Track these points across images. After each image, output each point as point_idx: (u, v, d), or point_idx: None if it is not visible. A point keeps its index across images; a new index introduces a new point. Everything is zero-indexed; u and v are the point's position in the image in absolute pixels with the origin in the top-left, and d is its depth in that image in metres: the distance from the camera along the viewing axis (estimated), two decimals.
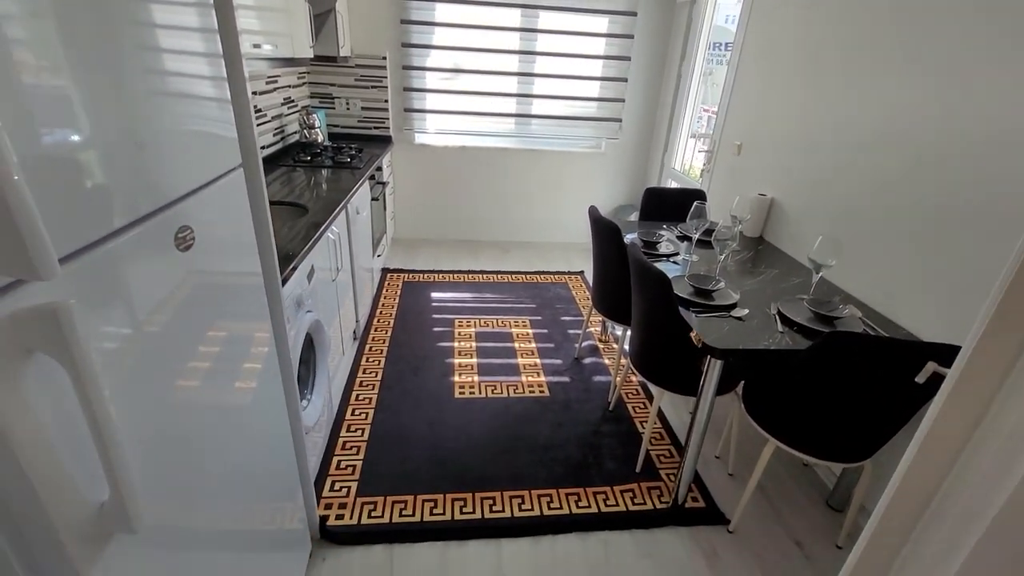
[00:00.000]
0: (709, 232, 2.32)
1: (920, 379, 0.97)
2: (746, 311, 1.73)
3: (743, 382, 1.82)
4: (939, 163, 1.65)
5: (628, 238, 2.32)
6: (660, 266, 2.09)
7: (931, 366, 0.96)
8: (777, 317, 1.72)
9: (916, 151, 1.73)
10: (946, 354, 1.23)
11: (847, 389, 1.42)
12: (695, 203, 2.15)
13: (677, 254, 2.24)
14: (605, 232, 2.17)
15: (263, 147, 2.85)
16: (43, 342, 0.53)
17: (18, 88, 0.54)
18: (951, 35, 1.62)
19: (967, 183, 1.55)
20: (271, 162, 2.88)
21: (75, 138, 0.62)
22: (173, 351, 0.83)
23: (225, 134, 1.00)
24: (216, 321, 0.96)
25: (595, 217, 2.23)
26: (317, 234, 1.83)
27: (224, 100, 0.99)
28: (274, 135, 3.02)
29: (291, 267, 1.54)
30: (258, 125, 2.78)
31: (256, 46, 2.03)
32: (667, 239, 2.36)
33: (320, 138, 3.26)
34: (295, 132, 3.34)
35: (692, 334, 1.61)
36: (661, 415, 2.36)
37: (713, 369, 1.59)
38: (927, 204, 1.68)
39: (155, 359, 0.78)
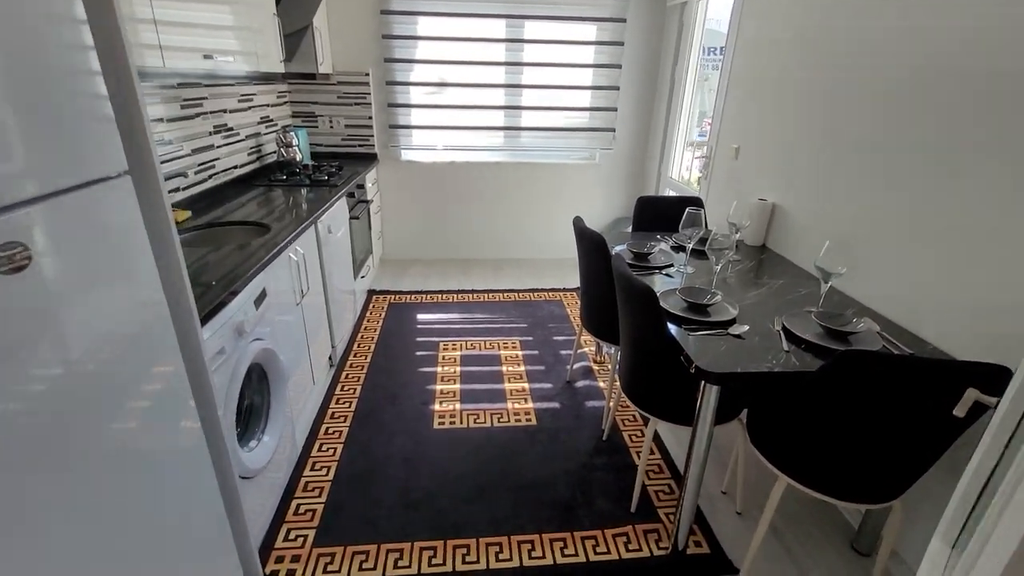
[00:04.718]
0: (706, 241, 2.12)
1: (960, 412, 0.76)
2: (746, 327, 1.52)
3: (746, 409, 1.61)
4: (969, 155, 1.45)
5: (616, 250, 2.13)
6: (653, 280, 1.90)
7: (972, 394, 0.76)
8: (782, 333, 1.51)
9: (937, 141, 1.54)
10: (988, 376, 1.02)
11: (865, 418, 1.20)
12: (688, 209, 1.97)
13: (671, 266, 2.05)
14: (590, 244, 1.99)
15: (236, 166, 2.73)
16: None
17: None
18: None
19: (1000, 175, 1.35)
20: (244, 182, 2.76)
21: None
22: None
23: (92, 134, 0.83)
24: (80, 358, 0.79)
25: (579, 228, 2.05)
26: (268, 256, 1.66)
27: (95, 95, 0.83)
28: (249, 154, 2.90)
29: (228, 292, 1.37)
30: (229, 144, 2.66)
31: (207, 57, 1.91)
32: (660, 250, 2.17)
33: (299, 157, 3.14)
34: (273, 152, 3.22)
35: (683, 355, 1.41)
36: (660, 444, 2.13)
37: (709, 396, 1.38)
38: (952, 203, 1.48)
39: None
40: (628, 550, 1.64)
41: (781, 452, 1.40)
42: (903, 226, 1.63)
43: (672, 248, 2.27)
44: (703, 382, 1.37)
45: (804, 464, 1.35)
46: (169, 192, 2.10)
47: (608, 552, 1.63)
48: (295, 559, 1.57)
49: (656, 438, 2.15)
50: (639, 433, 2.18)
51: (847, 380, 1.17)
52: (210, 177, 2.45)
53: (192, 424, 1.11)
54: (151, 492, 0.96)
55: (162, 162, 2.05)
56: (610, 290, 1.97)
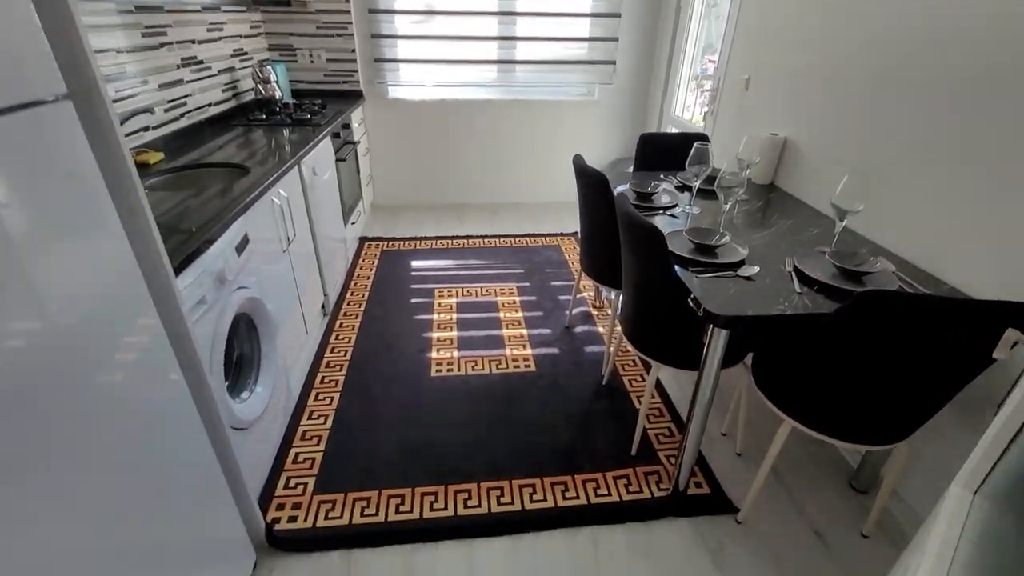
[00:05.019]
0: (712, 180, 2.01)
1: (1002, 355, 0.71)
2: (756, 269, 1.45)
3: (752, 353, 1.56)
4: (998, 76, 1.32)
5: (618, 190, 2.02)
6: (657, 221, 1.81)
7: (1012, 335, 0.70)
8: (793, 275, 1.44)
9: (967, 63, 1.40)
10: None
11: (880, 360, 1.16)
12: (695, 145, 1.84)
13: (676, 206, 1.95)
14: (591, 183, 1.88)
15: (210, 104, 2.54)
16: None
17: None
18: None
19: None
20: (221, 121, 2.58)
21: None
22: None
23: (13, 46, 0.71)
24: (35, 314, 0.71)
25: (580, 167, 1.93)
26: (249, 199, 1.55)
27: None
28: (224, 91, 2.70)
29: (204, 239, 1.27)
30: (200, 79, 2.46)
31: None
32: (665, 189, 2.06)
33: (278, 95, 2.93)
34: (250, 89, 3.01)
35: (691, 298, 1.35)
36: (660, 388, 2.12)
37: (717, 340, 1.32)
38: (979, 136, 1.37)
39: None
40: (629, 492, 1.64)
41: (787, 395, 1.37)
42: (923, 161, 1.52)
43: (676, 188, 2.15)
44: (710, 326, 1.31)
45: (811, 407, 1.32)
46: (137, 131, 1.95)
47: (609, 494, 1.63)
48: (296, 506, 1.56)
49: (656, 382, 2.13)
50: (639, 378, 2.16)
51: (866, 322, 1.11)
52: (182, 116, 2.28)
53: (175, 377, 1.04)
54: (137, 448, 0.91)
55: (124, 97, 1.89)
56: (612, 232, 1.88)
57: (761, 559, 1.45)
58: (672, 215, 1.88)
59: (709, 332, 1.33)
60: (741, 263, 1.49)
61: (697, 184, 1.88)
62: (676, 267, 1.45)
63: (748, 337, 1.55)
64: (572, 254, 3.26)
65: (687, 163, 1.87)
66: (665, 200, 1.98)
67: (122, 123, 1.74)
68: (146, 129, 2.01)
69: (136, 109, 1.79)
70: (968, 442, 1.40)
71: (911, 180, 1.57)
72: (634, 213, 1.45)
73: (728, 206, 1.67)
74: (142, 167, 1.86)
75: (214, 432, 1.22)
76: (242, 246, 1.51)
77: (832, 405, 1.28)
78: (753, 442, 1.84)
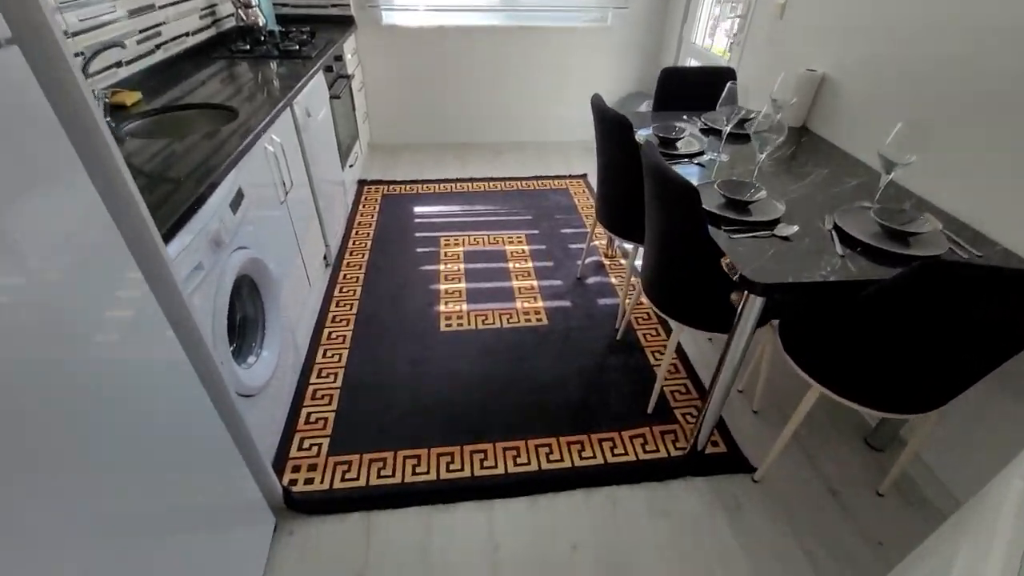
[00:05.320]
0: (741, 123, 1.86)
1: None
2: (795, 228, 1.34)
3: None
4: None
5: (641, 134, 1.86)
6: (680, 169, 1.68)
7: None
8: (834, 234, 1.34)
9: None
10: None
11: (928, 331, 1.09)
12: (728, 84, 1.67)
13: (702, 153, 1.80)
14: (612, 127, 1.72)
15: (187, 33, 2.29)
16: None
17: None
18: None
19: None
20: (201, 53, 2.34)
21: None
22: None
23: None
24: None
25: (599, 108, 1.76)
26: (239, 148, 1.41)
27: None
28: (201, 18, 2.44)
29: (194, 198, 1.15)
30: (176, 3, 2.20)
31: None
32: (689, 134, 1.90)
33: (262, 21, 2.66)
34: (230, 15, 2.72)
35: (724, 261, 1.25)
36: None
37: (752, 307, 1.25)
38: None
39: None
40: (646, 451, 1.64)
41: (818, 361, 1.31)
42: (981, 108, 1.37)
43: (702, 131, 1.99)
44: (746, 292, 1.23)
45: (843, 374, 1.27)
46: (109, 67, 1.76)
47: (626, 453, 1.63)
48: (312, 467, 1.55)
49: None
50: (654, 332, 2.11)
51: (922, 293, 1.03)
52: (158, 48, 2.06)
53: (174, 355, 0.97)
54: (142, 425, 0.85)
55: (88, 28, 1.68)
56: (631, 181, 1.76)
57: (777, 518, 1.46)
58: (699, 163, 1.75)
59: (743, 297, 1.25)
60: (777, 221, 1.38)
61: (727, 129, 1.73)
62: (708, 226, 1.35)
63: (784, 303, 1.47)
64: (582, 198, 3.11)
65: (719, 104, 1.71)
66: (690, 147, 1.83)
67: (90, 59, 1.55)
68: (119, 65, 1.81)
69: (104, 42, 1.59)
70: (999, 406, 1.36)
71: (965, 130, 1.43)
72: (665, 166, 1.32)
73: (763, 155, 1.54)
74: (119, 109, 1.69)
75: (221, 403, 1.16)
76: (237, 202, 1.39)
77: (867, 373, 1.23)
78: (771, 400, 1.82)
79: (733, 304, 1.34)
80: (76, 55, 1.60)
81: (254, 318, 1.54)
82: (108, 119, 1.58)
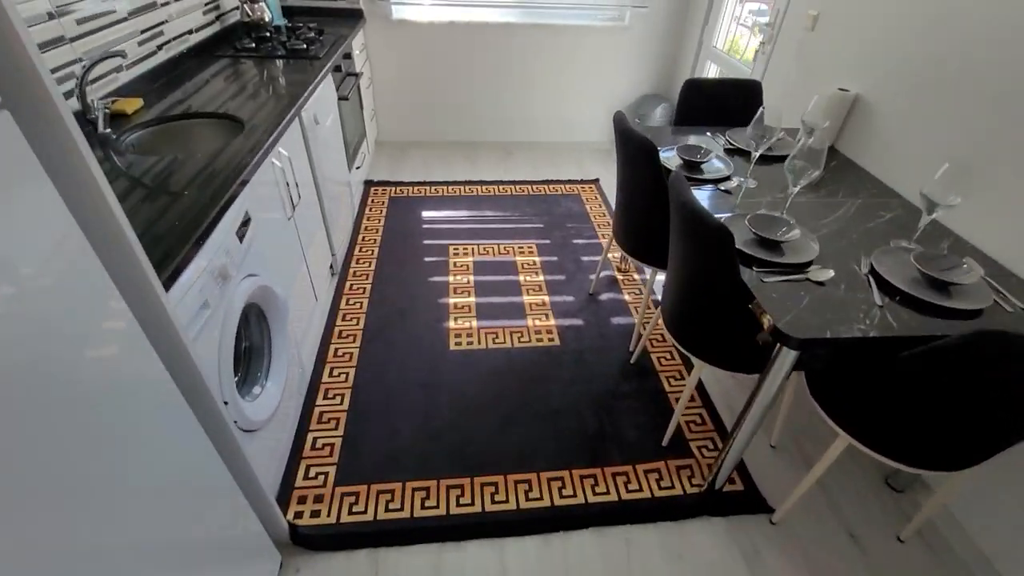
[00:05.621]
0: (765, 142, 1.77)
1: None
2: (830, 273, 1.28)
3: None
4: None
5: (664, 155, 1.79)
6: (705, 195, 1.61)
7: None
8: (871, 280, 1.27)
9: None
10: None
11: (978, 394, 1.03)
12: (760, 111, 1.59)
13: (728, 178, 1.73)
14: (636, 151, 1.64)
15: (191, 31, 2.19)
16: None
17: None
18: None
19: None
20: (205, 51, 2.25)
21: None
22: None
23: None
24: None
25: (623, 130, 1.68)
26: (247, 170, 1.33)
27: None
28: (205, 12, 2.33)
29: (197, 234, 1.08)
30: (178, 0, 2.10)
31: None
32: (715, 156, 1.82)
33: (268, 16, 2.55)
34: (235, 8, 2.61)
35: (755, 308, 1.19)
36: (690, 369, 2.02)
37: (784, 359, 1.19)
38: None
39: None
40: (661, 487, 1.59)
41: (848, 410, 1.26)
42: None
43: (727, 151, 1.92)
44: (778, 344, 1.17)
45: (875, 427, 1.22)
46: (108, 73, 1.67)
47: (640, 489, 1.59)
48: (318, 499, 1.51)
49: (688, 365, 2.03)
50: (668, 355, 2.06)
51: (973, 360, 0.97)
52: (160, 48, 1.97)
53: (171, 399, 0.91)
54: (134, 470, 0.79)
55: (90, 31, 1.59)
56: (655, 205, 1.69)
57: (795, 564, 1.43)
58: (725, 189, 1.67)
59: (776, 350, 1.19)
60: (810, 263, 1.32)
61: (756, 155, 1.65)
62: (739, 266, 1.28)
63: (818, 354, 1.40)
64: (594, 205, 3.04)
65: (750, 126, 1.63)
66: (716, 168, 1.75)
67: (89, 68, 1.47)
68: (118, 70, 1.72)
69: (106, 53, 1.50)
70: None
71: (1012, 168, 1.36)
72: (697, 206, 1.25)
73: (796, 189, 1.46)
74: (120, 118, 1.61)
75: (222, 443, 1.11)
76: (243, 228, 1.32)
77: (902, 429, 1.18)
78: (789, 433, 1.78)
79: (759, 343, 1.29)
80: (75, 62, 1.52)
81: (260, 346, 1.48)
82: (108, 130, 1.50)
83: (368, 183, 3.13)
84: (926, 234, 1.47)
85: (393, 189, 3.09)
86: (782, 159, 1.84)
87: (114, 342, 0.76)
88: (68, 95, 1.49)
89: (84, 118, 1.50)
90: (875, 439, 1.23)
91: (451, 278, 2.40)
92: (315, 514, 1.48)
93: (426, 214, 2.87)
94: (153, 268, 0.85)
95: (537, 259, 2.56)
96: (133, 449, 0.80)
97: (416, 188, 3.11)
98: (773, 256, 1.33)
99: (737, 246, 1.33)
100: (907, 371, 1.09)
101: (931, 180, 1.31)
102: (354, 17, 2.99)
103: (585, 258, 2.59)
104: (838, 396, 1.29)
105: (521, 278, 2.43)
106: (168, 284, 0.95)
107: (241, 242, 1.30)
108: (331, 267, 2.35)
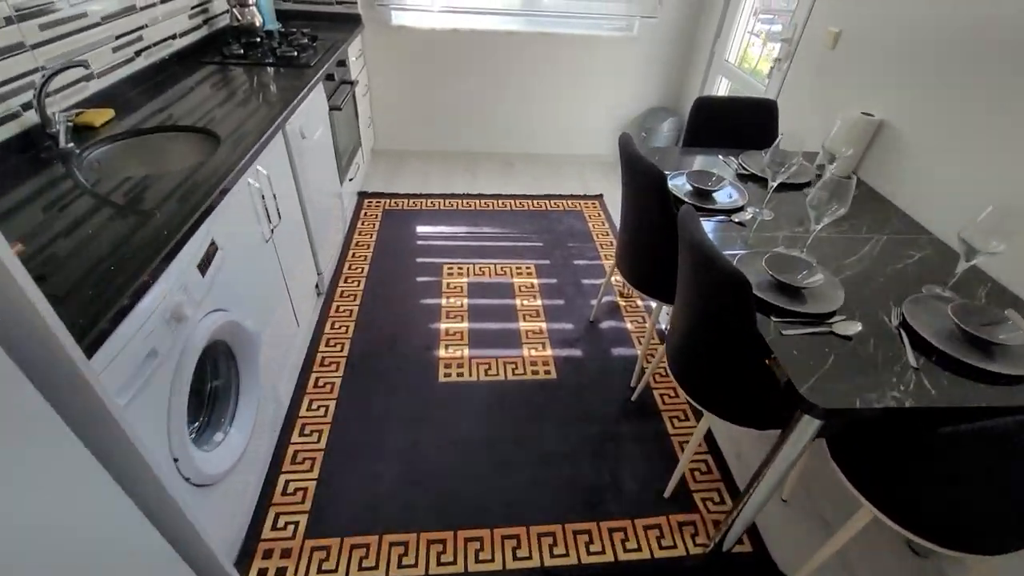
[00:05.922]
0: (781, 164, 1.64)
1: None
2: (857, 327, 1.14)
3: None
4: None
5: (673, 183, 1.66)
6: (715, 226, 1.48)
7: None
8: (903, 335, 1.14)
9: None
10: None
11: (1016, 479, 0.90)
12: (779, 138, 1.46)
13: (741, 208, 1.60)
14: (644, 180, 1.51)
15: (174, 35, 2.08)
16: None
17: None
18: None
19: None
20: (189, 57, 2.13)
21: None
22: None
23: None
24: None
25: (629, 155, 1.55)
26: (213, 195, 1.21)
27: None
28: (191, 17, 2.22)
29: (138, 283, 0.95)
30: (164, 1, 1.99)
31: None
32: (728, 183, 1.69)
33: (259, 21, 2.43)
34: (225, 12, 2.50)
35: (773, 365, 1.06)
36: (698, 416, 1.89)
37: (807, 427, 1.05)
38: None
39: None
40: (661, 547, 1.46)
41: (874, 480, 1.13)
42: None
43: (739, 175, 1.79)
44: (799, 412, 1.03)
45: (904, 502, 1.08)
46: (76, 82, 1.55)
47: (639, 549, 1.45)
48: (285, 553, 1.38)
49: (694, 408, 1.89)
50: (672, 392, 1.92)
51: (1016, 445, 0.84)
52: (138, 54, 1.85)
53: (71, 458, 0.78)
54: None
55: (56, 38, 1.47)
56: (662, 236, 1.55)
57: None
58: (738, 221, 1.54)
59: (797, 417, 1.05)
60: (833, 313, 1.19)
61: (774, 185, 1.52)
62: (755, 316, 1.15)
63: (844, 426, 1.27)
64: (597, 223, 2.91)
65: (767, 154, 1.50)
66: (731, 200, 1.62)
67: (48, 78, 1.35)
68: (88, 79, 1.60)
69: (69, 62, 1.38)
70: None
71: None
72: (709, 246, 1.12)
73: (819, 227, 1.33)
74: (87, 131, 1.49)
75: (160, 510, 0.97)
76: (207, 259, 1.20)
77: (934, 508, 1.04)
78: (804, 492, 1.64)
79: (774, 402, 1.15)
80: (35, 71, 1.40)
81: (228, 386, 1.36)
82: (70, 144, 1.38)
83: (362, 194, 3.01)
84: (961, 279, 1.33)
85: (388, 201, 2.97)
86: (798, 187, 1.72)
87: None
88: (26, 107, 1.37)
89: (44, 132, 1.38)
90: (904, 514, 1.09)
91: (444, 300, 2.27)
92: (281, 572, 1.34)
93: (421, 229, 2.75)
94: (71, 335, 0.71)
95: (535, 281, 2.43)
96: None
97: (412, 200, 2.99)
98: (793, 304, 1.19)
99: (755, 293, 1.20)
100: (945, 448, 0.96)
101: (971, 223, 1.18)
102: (351, 23, 2.87)
103: (586, 281, 2.46)
104: (863, 462, 1.16)
105: (518, 302, 2.30)
106: (92, 349, 0.81)
107: (204, 276, 1.17)
108: (317, 287, 2.23)
